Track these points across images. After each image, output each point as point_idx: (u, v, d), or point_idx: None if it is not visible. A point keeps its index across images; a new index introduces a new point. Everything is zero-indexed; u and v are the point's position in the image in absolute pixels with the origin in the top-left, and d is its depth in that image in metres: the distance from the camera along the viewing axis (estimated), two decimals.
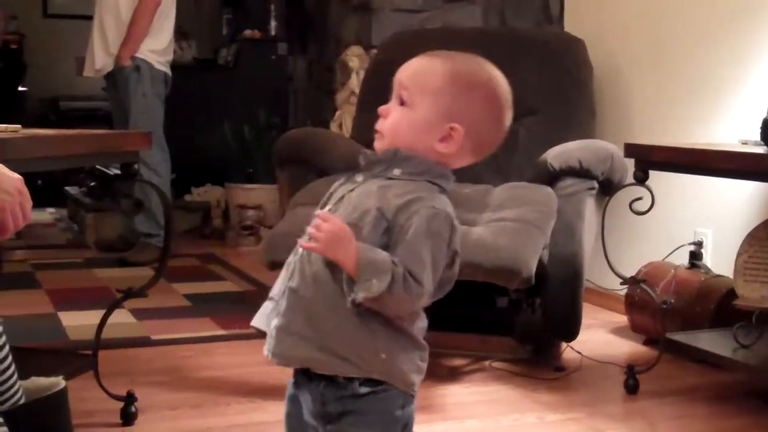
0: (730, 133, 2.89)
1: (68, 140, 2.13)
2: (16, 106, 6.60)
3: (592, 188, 2.68)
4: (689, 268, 2.89)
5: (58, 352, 2.57)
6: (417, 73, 1.27)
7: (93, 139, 2.21)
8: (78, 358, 2.37)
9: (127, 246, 4.44)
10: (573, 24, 3.76)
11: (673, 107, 3.21)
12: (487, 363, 2.74)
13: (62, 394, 1.54)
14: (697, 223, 3.05)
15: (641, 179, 2.42)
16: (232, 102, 5.67)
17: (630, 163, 2.54)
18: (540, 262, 2.46)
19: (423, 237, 1.19)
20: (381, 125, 1.28)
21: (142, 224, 4.33)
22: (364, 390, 1.23)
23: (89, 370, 2.20)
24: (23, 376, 1.54)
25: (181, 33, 5.72)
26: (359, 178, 1.28)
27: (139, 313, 3.23)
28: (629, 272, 2.65)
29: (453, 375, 2.64)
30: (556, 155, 2.75)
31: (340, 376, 1.23)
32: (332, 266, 1.21)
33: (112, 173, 4.81)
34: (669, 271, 2.87)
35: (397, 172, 1.25)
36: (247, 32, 6.07)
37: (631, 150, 2.50)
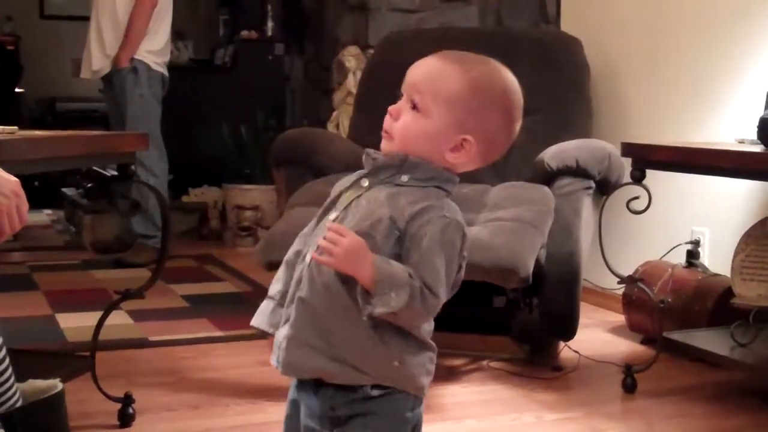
0: (727, 132, 2.89)
1: (65, 141, 2.13)
2: (12, 108, 6.60)
3: (589, 188, 2.69)
4: (686, 267, 2.89)
5: (55, 354, 2.57)
6: (433, 77, 1.23)
7: (90, 141, 2.21)
8: (75, 359, 2.37)
9: (125, 247, 4.44)
10: (570, 24, 3.76)
11: (669, 106, 3.21)
12: (485, 363, 2.74)
13: (59, 396, 1.54)
14: (694, 222, 3.06)
15: (638, 178, 2.43)
16: (229, 103, 5.67)
17: (627, 163, 2.54)
18: (537, 261, 2.46)
19: (437, 248, 1.18)
20: (390, 126, 1.24)
21: (139, 225, 4.32)
22: (375, 393, 1.23)
23: (87, 372, 2.19)
24: (20, 378, 1.54)
25: (177, 34, 5.72)
26: (365, 183, 1.25)
27: (136, 315, 3.23)
28: (626, 271, 2.66)
29: (451, 375, 2.64)
30: (554, 155, 2.76)
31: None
32: (344, 277, 1.19)
33: (108, 174, 4.81)
34: (666, 270, 2.87)
35: (405, 178, 1.22)
36: (244, 33, 6.07)
37: (628, 149, 2.50)
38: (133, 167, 2.24)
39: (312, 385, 1.26)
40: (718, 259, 2.88)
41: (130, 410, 2.20)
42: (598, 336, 3.09)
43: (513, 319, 2.87)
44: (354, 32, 4.88)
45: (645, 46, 3.33)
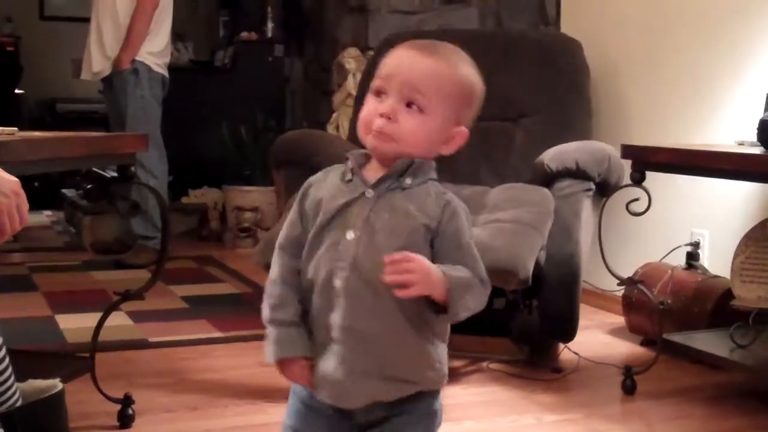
0: (727, 133, 2.89)
1: (65, 143, 2.13)
2: (12, 109, 6.60)
3: (589, 189, 2.69)
4: (686, 269, 2.89)
5: (55, 355, 2.57)
6: (432, 77, 1.22)
7: (90, 142, 2.21)
8: (75, 360, 2.37)
9: (124, 248, 4.44)
10: (569, 25, 3.77)
11: (669, 108, 3.21)
12: (484, 364, 2.74)
13: (59, 396, 1.54)
14: (694, 223, 3.06)
15: (638, 180, 2.43)
16: (229, 104, 5.67)
17: (627, 164, 2.54)
18: (537, 263, 2.46)
19: (469, 237, 1.23)
20: (388, 128, 1.20)
21: (139, 226, 4.32)
22: (411, 393, 1.25)
23: (86, 373, 2.19)
24: (20, 378, 1.54)
25: (177, 35, 5.72)
26: (370, 194, 1.22)
27: (136, 316, 3.23)
28: (626, 273, 2.66)
29: (450, 376, 2.60)
30: (553, 156, 2.76)
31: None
32: (404, 300, 1.17)
33: (108, 176, 4.81)
34: (666, 272, 2.87)
35: (409, 181, 1.22)
36: (244, 34, 6.07)
37: (627, 151, 2.50)
38: (132, 168, 2.24)
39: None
40: (717, 261, 2.88)
41: (130, 411, 2.19)
42: (597, 338, 3.09)
43: (513, 320, 2.87)
44: (354, 34, 4.89)
45: (645, 47, 3.34)
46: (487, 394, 2.49)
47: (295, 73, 6.11)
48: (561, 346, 2.80)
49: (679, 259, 2.95)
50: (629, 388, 2.48)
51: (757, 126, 2.29)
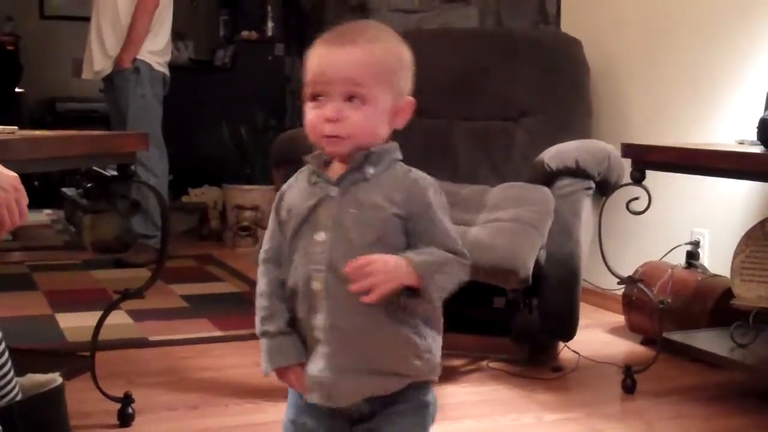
0: (727, 132, 2.89)
1: (65, 141, 2.13)
2: (12, 108, 6.59)
3: (589, 188, 2.69)
4: (686, 268, 2.89)
5: (55, 354, 2.57)
6: (362, 65, 1.21)
7: (90, 141, 2.21)
8: (75, 359, 2.37)
9: (124, 247, 4.44)
10: (569, 24, 3.76)
11: (669, 107, 3.21)
12: (484, 363, 2.74)
13: (59, 390, 1.54)
14: (694, 223, 3.06)
15: (638, 179, 2.43)
16: (229, 103, 5.67)
17: (627, 163, 2.54)
18: (537, 262, 2.46)
19: (441, 213, 1.22)
20: (337, 130, 1.20)
21: (139, 225, 4.32)
22: (402, 386, 1.25)
23: (86, 372, 2.19)
24: (20, 375, 1.54)
25: (178, 34, 5.72)
26: (333, 192, 1.22)
27: (136, 315, 3.23)
28: (626, 272, 2.66)
29: (450, 375, 2.64)
30: (553, 155, 2.76)
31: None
32: (377, 306, 1.18)
33: (108, 174, 4.81)
34: (666, 271, 2.87)
35: (371, 170, 1.22)
36: (244, 33, 6.07)
37: (628, 150, 2.50)
38: (133, 167, 2.24)
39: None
40: (717, 260, 2.88)
41: (130, 410, 2.20)
42: (597, 336, 3.09)
43: (513, 319, 2.87)
44: None
45: (645, 46, 3.34)
46: (488, 393, 2.49)
47: (295, 72, 6.11)
48: (561, 345, 2.80)
49: (679, 258, 2.95)
50: (629, 387, 2.48)
51: (757, 125, 2.30)
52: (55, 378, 1.54)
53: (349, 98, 1.21)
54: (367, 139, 1.22)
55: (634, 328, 3.03)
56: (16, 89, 6.89)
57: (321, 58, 1.22)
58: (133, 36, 4.23)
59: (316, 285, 1.21)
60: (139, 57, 4.26)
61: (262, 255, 1.30)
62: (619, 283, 2.62)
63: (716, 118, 3.00)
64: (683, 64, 3.15)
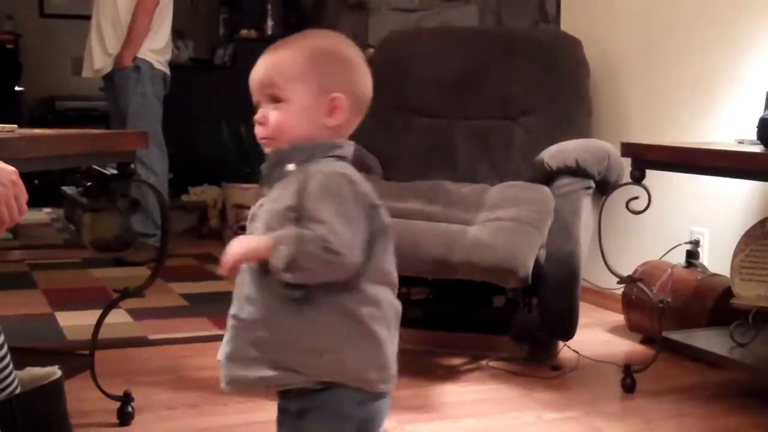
0: (727, 132, 2.89)
1: (65, 140, 2.13)
2: (12, 106, 6.59)
3: (589, 187, 2.69)
4: (686, 267, 2.89)
5: (55, 352, 2.57)
6: (277, 67, 1.27)
7: (90, 139, 2.21)
8: (75, 358, 2.37)
9: (124, 246, 4.44)
10: (569, 23, 3.77)
11: (669, 106, 3.21)
12: (484, 362, 2.74)
13: (58, 383, 1.54)
14: (693, 222, 3.06)
15: (638, 178, 2.43)
16: (229, 102, 5.62)
17: (626, 163, 2.54)
18: (537, 261, 2.46)
19: (321, 199, 1.20)
20: (263, 132, 1.28)
21: (139, 224, 4.32)
22: (318, 387, 1.24)
23: (86, 370, 2.19)
24: (18, 370, 1.54)
25: (177, 33, 5.72)
26: (266, 191, 1.28)
27: (136, 313, 3.23)
28: (626, 271, 2.66)
29: (450, 374, 2.64)
30: (553, 154, 2.76)
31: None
32: (263, 282, 1.23)
33: (108, 173, 4.81)
34: (665, 271, 2.87)
35: (291, 166, 1.25)
36: (244, 32, 6.07)
37: (627, 149, 2.50)
38: (133, 166, 2.24)
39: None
40: (717, 260, 2.88)
41: (129, 408, 2.20)
42: (597, 336, 3.09)
43: (512, 318, 2.88)
44: (354, 31, 4.88)
45: (645, 45, 3.34)
46: (487, 391, 2.49)
47: None
48: (561, 344, 2.81)
49: (678, 258, 2.95)
50: (629, 386, 2.48)
51: (757, 124, 2.30)
52: (54, 371, 1.54)
53: (273, 101, 1.27)
54: (292, 137, 1.27)
55: (634, 328, 3.03)
56: (16, 88, 6.89)
57: (252, 71, 1.30)
58: (133, 35, 4.23)
59: (237, 278, 1.29)
60: (139, 56, 4.25)
61: None
62: (618, 283, 2.62)
63: (716, 118, 3.00)
64: (683, 63, 3.15)
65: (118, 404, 2.19)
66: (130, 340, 2.93)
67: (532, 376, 2.60)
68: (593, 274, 3.12)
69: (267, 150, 1.29)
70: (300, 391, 1.25)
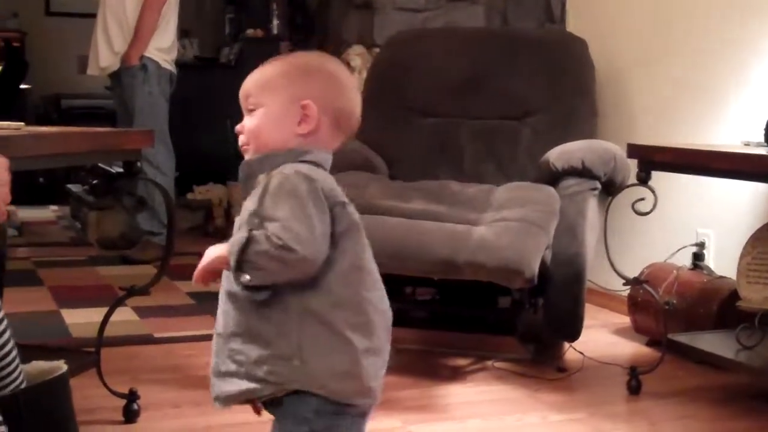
0: (733, 134, 2.89)
1: (72, 138, 2.13)
2: (17, 104, 6.60)
3: (595, 188, 2.69)
4: (692, 270, 2.88)
5: (60, 350, 2.56)
6: (255, 80, 1.32)
7: (96, 137, 2.21)
8: (81, 355, 2.37)
9: (130, 244, 4.44)
10: (575, 24, 3.76)
11: (675, 108, 3.21)
12: (489, 363, 2.74)
13: (64, 377, 1.54)
14: (699, 223, 3.05)
15: (644, 180, 2.42)
16: (234, 101, 5.55)
17: (633, 164, 2.54)
18: (542, 262, 2.46)
19: (277, 198, 1.20)
20: (241, 140, 1.33)
21: (145, 222, 4.32)
22: (285, 394, 1.24)
23: (92, 368, 2.20)
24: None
25: (183, 32, 5.73)
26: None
27: (141, 311, 3.23)
28: (631, 273, 2.65)
29: (455, 375, 2.63)
30: (559, 155, 2.75)
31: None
32: (234, 294, 1.25)
33: (113, 171, 4.82)
34: (671, 272, 2.86)
35: (262, 177, 1.26)
36: (250, 31, 6.07)
37: (633, 150, 2.50)
38: (139, 164, 2.24)
39: None
40: (723, 262, 2.88)
41: (135, 406, 2.20)
42: (603, 337, 3.08)
43: (518, 319, 2.87)
44: (359, 31, 4.88)
45: (651, 46, 3.33)
46: (492, 392, 2.49)
47: None
48: (566, 345, 2.80)
49: (684, 259, 2.94)
50: (634, 388, 2.47)
51: (764, 126, 2.29)
52: (60, 365, 1.54)
53: (250, 112, 1.32)
54: (265, 145, 1.30)
55: (640, 329, 3.02)
56: (22, 85, 6.91)
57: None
58: (140, 33, 4.23)
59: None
60: (146, 54, 4.25)
61: None
62: (624, 284, 2.61)
63: (722, 119, 3.00)
64: (689, 64, 3.14)
65: (123, 402, 2.19)
66: (136, 338, 2.93)
67: (537, 377, 2.60)
68: (599, 275, 3.11)
69: (246, 157, 1.33)
70: (270, 401, 1.25)
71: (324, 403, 1.22)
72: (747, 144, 2.50)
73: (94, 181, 5.21)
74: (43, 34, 7.26)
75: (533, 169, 2.91)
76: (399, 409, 2.28)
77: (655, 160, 2.43)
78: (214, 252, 1.26)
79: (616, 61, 3.47)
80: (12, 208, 1.43)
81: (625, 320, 3.13)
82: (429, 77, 3.26)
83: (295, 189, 1.20)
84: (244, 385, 1.24)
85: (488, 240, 2.42)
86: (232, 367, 1.25)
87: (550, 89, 3.18)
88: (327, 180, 1.25)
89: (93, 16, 4.45)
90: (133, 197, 4.10)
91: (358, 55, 4.57)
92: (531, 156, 3.04)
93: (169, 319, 3.20)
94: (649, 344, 2.98)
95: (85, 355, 2.33)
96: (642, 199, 2.41)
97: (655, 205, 2.39)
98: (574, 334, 2.65)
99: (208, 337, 3.16)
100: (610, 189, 2.69)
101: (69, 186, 5.77)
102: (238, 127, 1.33)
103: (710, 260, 2.95)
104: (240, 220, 1.26)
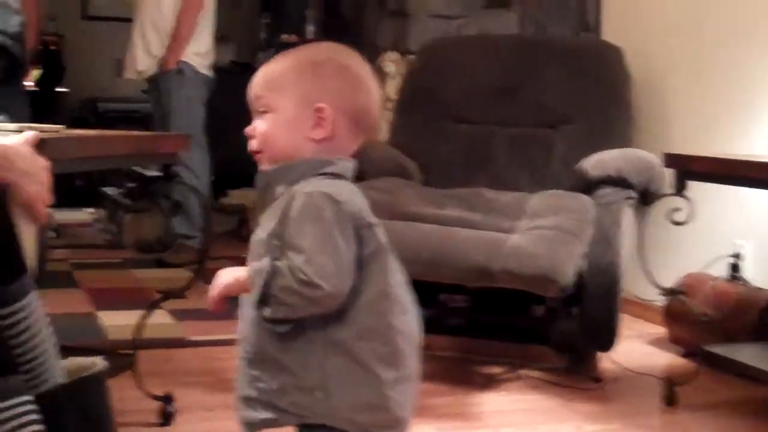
0: None
1: (110, 141, 2.15)
2: (54, 107, 6.68)
3: (630, 198, 2.67)
4: (728, 280, 2.85)
5: (97, 351, 2.59)
6: (265, 79, 1.26)
7: (134, 141, 2.24)
8: (117, 357, 2.39)
9: (165, 247, 4.47)
10: (610, 32, 3.74)
11: (713, 117, 3.17)
12: (523, 372, 2.72)
13: (102, 373, 1.55)
14: (736, 234, 3.02)
15: (680, 189, 2.40)
16: None
17: (669, 173, 2.51)
18: (578, 271, 2.44)
19: (300, 225, 1.14)
20: (253, 144, 1.26)
21: (180, 226, 4.35)
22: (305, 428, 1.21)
23: (128, 370, 2.22)
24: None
25: (219, 36, 5.76)
26: (260, 219, 1.25)
27: (177, 314, 3.25)
28: (667, 283, 2.63)
29: (489, 383, 2.63)
30: (594, 164, 2.74)
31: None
32: (256, 320, 1.20)
33: (148, 174, 4.85)
34: (707, 283, 2.83)
35: (281, 189, 1.21)
36: (285, 36, 6.10)
37: (670, 160, 2.48)
38: (175, 167, 2.26)
39: None
40: (760, 273, 2.84)
41: (171, 409, 2.21)
42: (638, 348, 3.06)
43: (552, 328, 2.85)
44: (393, 38, 4.89)
45: (688, 54, 3.30)
46: (526, 401, 2.48)
47: None
48: (601, 355, 2.78)
49: (721, 270, 2.91)
50: (670, 400, 2.45)
51: None
52: (98, 361, 1.55)
53: (263, 114, 1.26)
54: (279, 150, 1.23)
55: (676, 340, 2.99)
56: (59, 89, 6.99)
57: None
58: (178, 38, 4.27)
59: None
60: (183, 59, 4.29)
61: None
62: (661, 295, 2.59)
63: (760, 129, 2.96)
64: (727, 72, 3.11)
65: (159, 404, 2.21)
66: (171, 341, 2.95)
67: (571, 386, 2.59)
68: (634, 284, 3.08)
69: (259, 164, 1.27)
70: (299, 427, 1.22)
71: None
72: None
73: (130, 185, 5.26)
74: (79, 37, 7.34)
75: (567, 177, 2.89)
76: (433, 416, 2.28)
77: (692, 169, 2.41)
78: (230, 276, 1.22)
79: (651, 69, 3.45)
80: (50, 210, 1.44)
81: (661, 331, 3.10)
82: (463, 84, 3.26)
83: (319, 214, 1.13)
84: (266, 414, 1.20)
85: (523, 248, 2.41)
86: (253, 393, 1.21)
87: (584, 97, 3.16)
88: (353, 199, 1.18)
89: (129, 20, 4.50)
90: (169, 201, 4.13)
91: (392, 62, 4.58)
92: (565, 164, 3.02)
93: (204, 322, 3.22)
94: (685, 355, 2.95)
95: (121, 357, 2.35)
96: (678, 208, 2.39)
97: (691, 215, 2.37)
98: (609, 343, 2.63)
99: None
100: (645, 198, 2.67)
101: (104, 189, 5.82)
102: (248, 130, 1.27)
103: (747, 271, 2.91)
104: (258, 241, 1.20)
